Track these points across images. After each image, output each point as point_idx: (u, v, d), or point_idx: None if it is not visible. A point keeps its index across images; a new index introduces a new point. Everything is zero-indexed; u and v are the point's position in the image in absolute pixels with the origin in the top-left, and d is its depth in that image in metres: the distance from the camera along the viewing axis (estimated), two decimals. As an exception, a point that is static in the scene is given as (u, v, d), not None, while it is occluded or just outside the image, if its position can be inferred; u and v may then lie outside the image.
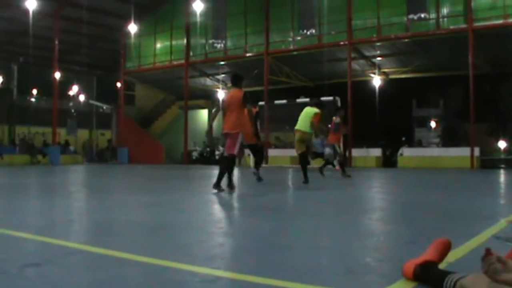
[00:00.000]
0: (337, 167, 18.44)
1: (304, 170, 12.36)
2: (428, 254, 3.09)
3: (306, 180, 12.09)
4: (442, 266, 3.09)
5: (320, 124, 12.76)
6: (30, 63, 40.67)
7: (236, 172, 13.04)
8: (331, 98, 26.30)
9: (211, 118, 12.33)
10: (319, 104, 13.11)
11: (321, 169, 16.14)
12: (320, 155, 18.78)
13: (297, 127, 12.55)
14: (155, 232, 5.24)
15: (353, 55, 29.79)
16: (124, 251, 3.97)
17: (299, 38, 31.71)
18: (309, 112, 12.49)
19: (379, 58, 31.90)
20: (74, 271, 3.48)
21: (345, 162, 18.46)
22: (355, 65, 31.22)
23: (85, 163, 39.22)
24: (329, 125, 17.17)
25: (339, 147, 17.34)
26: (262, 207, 7.93)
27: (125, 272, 3.40)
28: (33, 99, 45.93)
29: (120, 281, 3.16)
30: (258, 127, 12.79)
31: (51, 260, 3.74)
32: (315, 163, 18.49)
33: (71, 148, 42.54)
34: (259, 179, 13.20)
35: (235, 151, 9.75)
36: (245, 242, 4.61)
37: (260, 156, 13.95)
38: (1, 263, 3.64)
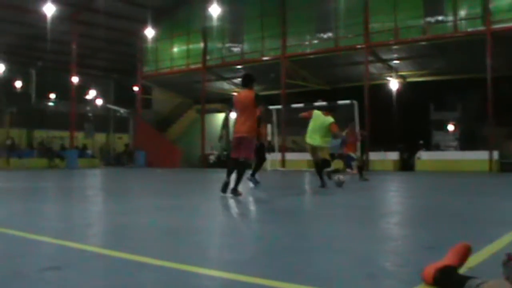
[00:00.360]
0: (355, 170, 18.45)
1: (320, 174, 12.28)
2: (448, 258, 3.07)
3: (322, 184, 12.07)
4: (462, 271, 3.07)
5: (336, 132, 12.53)
6: (48, 67, 41.01)
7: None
8: (348, 101, 26.24)
9: (224, 124, 11.98)
10: (331, 109, 12.91)
11: (329, 174, 16.10)
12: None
13: (308, 140, 12.30)
14: (174, 236, 5.25)
15: (370, 58, 29.73)
16: (143, 255, 3.98)
17: (316, 41, 31.67)
18: (322, 122, 12.16)
19: (396, 61, 31.83)
20: (94, 275, 3.49)
21: (363, 166, 18.43)
22: (372, 69, 31.12)
23: (103, 167, 39.43)
24: (346, 131, 17.15)
25: (354, 153, 17.38)
26: (279, 211, 7.91)
27: (144, 276, 3.40)
28: (51, 103, 46.34)
29: (139, 286, 3.16)
30: (268, 129, 12.69)
31: (70, 264, 3.76)
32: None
33: (89, 151, 42.86)
34: (256, 182, 12.92)
35: (252, 155, 9.74)
36: (264, 246, 4.60)
37: (261, 158, 13.64)
38: (21, 266, 3.67)
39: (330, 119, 12.13)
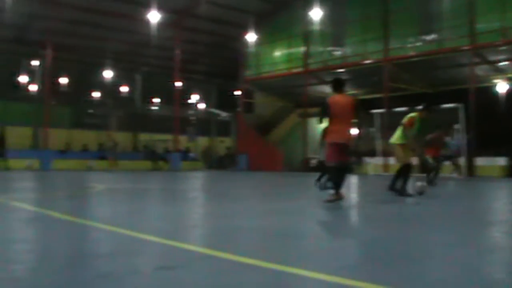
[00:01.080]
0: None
1: (395, 179, 11.04)
2: None
3: (399, 192, 10.83)
4: None
5: (409, 128, 11.23)
6: (152, 72, 42.19)
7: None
8: (452, 105, 25.60)
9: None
10: (425, 109, 12.08)
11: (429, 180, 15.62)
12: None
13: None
14: (281, 239, 5.28)
15: (475, 60, 28.78)
16: (252, 257, 4.04)
17: (419, 43, 30.99)
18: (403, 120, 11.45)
19: (504, 63, 30.65)
20: (204, 276, 3.59)
21: (430, 171, 17.69)
22: (478, 70, 30.11)
23: (205, 170, 40.12)
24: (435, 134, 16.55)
25: (430, 158, 16.83)
26: (382, 217, 7.80)
27: (256, 278, 3.45)
28: (155, 107, 47.72)
29: (248, 287, 3.21)
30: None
31: (183, 264, 3.89)
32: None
33: (191, 154, 43.77)
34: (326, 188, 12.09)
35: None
36: (373, 252, 4.57)
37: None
38: (136, 265, 3.82)
39: (412, 114, 11.47)
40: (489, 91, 31.28)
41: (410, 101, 30.87)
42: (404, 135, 11.14)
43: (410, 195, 10.76)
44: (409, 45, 31.18)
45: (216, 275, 3.56)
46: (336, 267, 3.79)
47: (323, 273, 3.50)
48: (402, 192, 10.82)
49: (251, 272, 3.62)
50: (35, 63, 38.05)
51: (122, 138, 42.87)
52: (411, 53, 30.92)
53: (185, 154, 41.75)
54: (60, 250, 4.61)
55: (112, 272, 3.55)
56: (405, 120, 11.29)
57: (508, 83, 31.60)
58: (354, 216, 8.09)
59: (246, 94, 42.04)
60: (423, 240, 5.43)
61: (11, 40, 35.21)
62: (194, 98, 49.01)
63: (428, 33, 30.53)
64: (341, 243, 5.17)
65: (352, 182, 16.45)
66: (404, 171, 11.05)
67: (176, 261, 4.02)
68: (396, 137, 11.24)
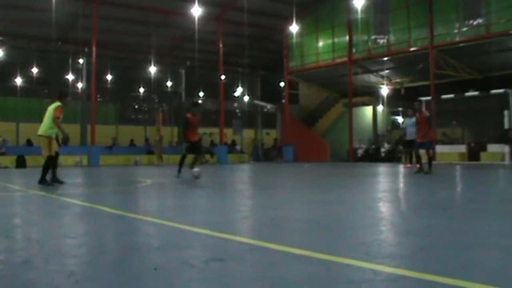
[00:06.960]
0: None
1: (44, 173, 11.89)
2: None
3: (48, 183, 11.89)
4: None
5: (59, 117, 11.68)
6: (196, 66, 42.40)
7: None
8: (502, 90, 25.12)
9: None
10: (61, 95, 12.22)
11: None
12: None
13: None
14: (330, 230, 5.26)
15: (526, 43, 28.16)
16: (302, 248, 4.03)
17: (465, 29, 30.40)
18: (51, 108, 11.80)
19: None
20: (255, 267, 3.59)
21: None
22: (528, 54, 29.48)
23: (251, 162, 40.19)
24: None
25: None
26: (433, 204, 7.70)
27: (307, 269, 3.44)
28: (200, 101, 47.97)
29: (303, 278, 3.19)
30: None
31: (233, 256, 3.91)
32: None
33: (238, 147, 43.87)
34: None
35: None
36: (422, 241, 4.50)
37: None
38: (188, 257, 3.85)
39: (55, 105, 11.82)
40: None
41: (458, 88, 30.51)
42: (52, 126, 11.64)
43: (62, 182, 12.37)
44: (455, 31, 30.61)
45: (267, 266, 3.55)
46: (387, 257, 3.74)
47: (375, 263, 3.46)
48: (54, 181, 12.20)
49: (302, 263, 3.61)
50: (80, 61, 38.57)
51: (168, 132, 43.19)
52: (457, 38, 30.37)
53: (231, 147, 41.87)
54: (112, 244, 4.69)
55: (164, 264, 3.58)
56: (54, 111, 11.62)
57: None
58: (402, 205, 7.99)
59: (290, 85, 42.00)
60: (475, 228, 5.35)
61: (57, 39, 35.72)
62: (238, 91, 49.12)
63: (474, 17, 29.90)
64: (391, 233, 5.11)
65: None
66: (49, 163, 11.92)
67: (226, 253, 4.04)
68: (44, 128, 11.69)
